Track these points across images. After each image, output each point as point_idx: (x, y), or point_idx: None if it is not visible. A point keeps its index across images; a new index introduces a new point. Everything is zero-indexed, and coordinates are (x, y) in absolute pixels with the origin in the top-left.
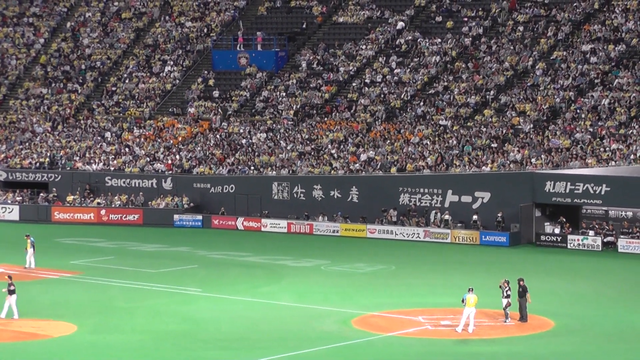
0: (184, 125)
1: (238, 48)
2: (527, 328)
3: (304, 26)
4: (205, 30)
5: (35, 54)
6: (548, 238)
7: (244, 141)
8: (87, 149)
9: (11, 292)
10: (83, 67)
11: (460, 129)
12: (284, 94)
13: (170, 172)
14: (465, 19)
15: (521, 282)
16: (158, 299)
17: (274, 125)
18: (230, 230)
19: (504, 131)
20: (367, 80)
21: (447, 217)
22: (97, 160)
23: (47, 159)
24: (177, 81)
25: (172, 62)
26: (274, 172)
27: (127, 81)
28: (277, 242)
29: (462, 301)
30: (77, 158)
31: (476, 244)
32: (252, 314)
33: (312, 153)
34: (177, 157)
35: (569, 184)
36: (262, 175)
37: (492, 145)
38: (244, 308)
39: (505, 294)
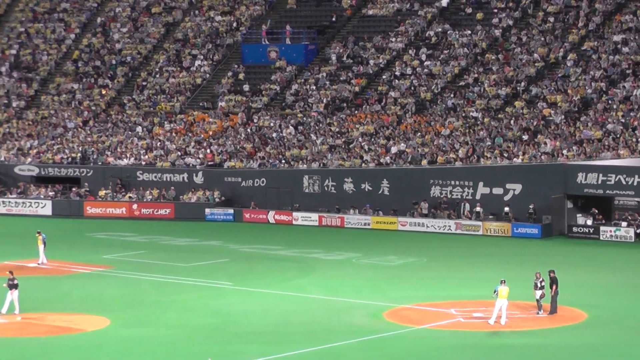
0: (214, 119)
1: (263, 41)
2: (559, 320)
3: (334, 19)
4: (235, 24)
5: (66, 50)
6: (580, 230)
7: (274, 135)
8: (118, 143)
9: (12, 287)
10: (113, 62)
11: (491, 121)
12: (314, 87)
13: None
14: (495, 11)
15: (551, 274)
16: (189, 293)
17: (304, 118)
18: (261, 223)
19: (535, 123)
20: (397, 73)
21: (478, 209)
22: (128, 155)
23: (79, 154)
24: (207, 75)
25: (202, 57)
26: (305, 166)
27: (157, 76)
28: (308, 235)
29: (494, 293)
30: (109, 153)
31: (508, 236)
32: (283, 308)
33: (343, 146)
34: (209, 150)
35: (601, 175)
36: (292, 168)
37: (523, 137)
38: (274, 301)
39: (539, 286)
